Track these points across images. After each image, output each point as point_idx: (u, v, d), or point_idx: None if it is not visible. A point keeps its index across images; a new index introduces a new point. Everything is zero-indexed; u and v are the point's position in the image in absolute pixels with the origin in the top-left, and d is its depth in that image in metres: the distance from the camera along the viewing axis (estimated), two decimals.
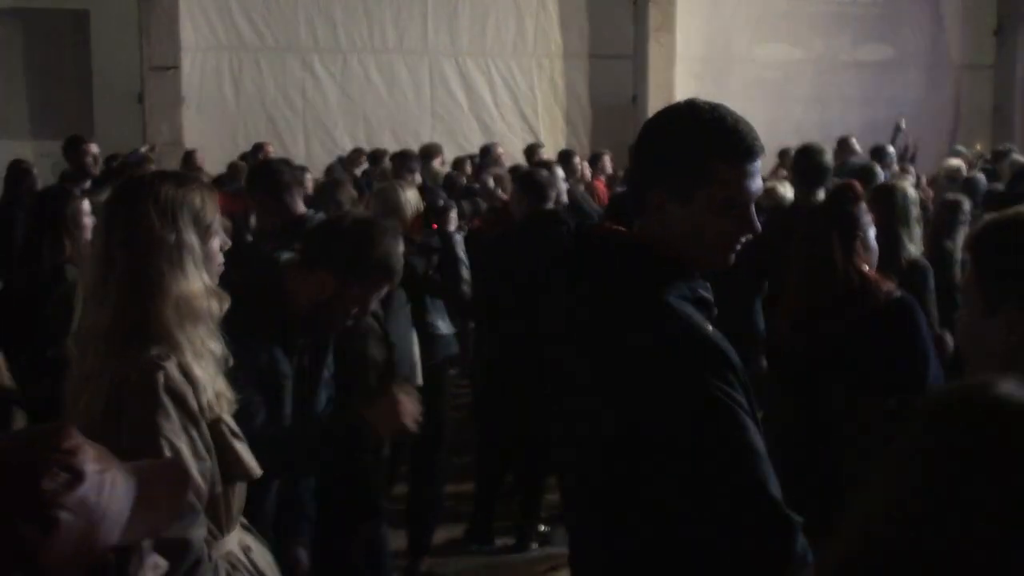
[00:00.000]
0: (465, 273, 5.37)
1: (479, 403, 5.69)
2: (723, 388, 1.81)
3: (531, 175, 5.60)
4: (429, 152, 10.11)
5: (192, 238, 2.22)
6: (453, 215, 5.63)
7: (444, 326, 5.16)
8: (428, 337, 4.98)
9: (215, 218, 2.29)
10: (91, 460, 1.28)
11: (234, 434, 2.28)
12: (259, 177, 4.81)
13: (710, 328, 1.89)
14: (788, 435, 3.36)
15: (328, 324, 2.88)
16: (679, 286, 1.92)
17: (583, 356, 1.96)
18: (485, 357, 5.41)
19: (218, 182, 7.92)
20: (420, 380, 4.60)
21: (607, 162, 10.66)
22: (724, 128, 1.90)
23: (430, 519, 4.94)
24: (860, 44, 15.49)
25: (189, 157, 10.49)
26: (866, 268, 3.39)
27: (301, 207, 4.71)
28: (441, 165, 9.84)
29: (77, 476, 1.25)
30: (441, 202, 6.00)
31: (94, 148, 8.15)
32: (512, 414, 5.31)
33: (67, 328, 2.24)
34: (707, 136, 1.90)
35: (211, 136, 11.84)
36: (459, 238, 5.57)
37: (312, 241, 2.88)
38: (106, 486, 1.28)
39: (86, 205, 4.81)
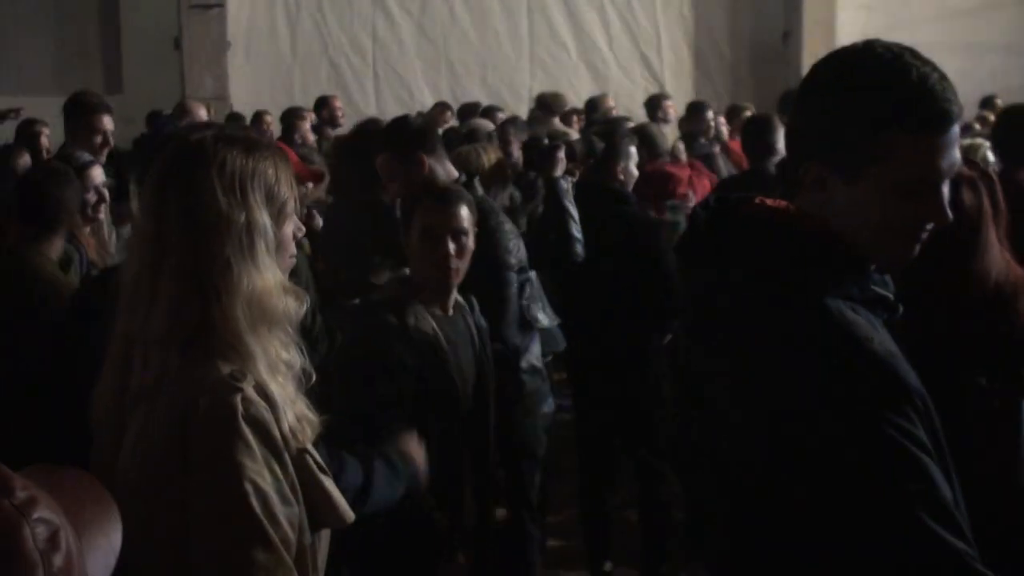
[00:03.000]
0: (576, 231, 5.32)
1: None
2: (896, 422, 1.74)
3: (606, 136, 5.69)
4: (549, 104, 9.93)
5: (265, 219, 2.19)
6: (561, 156, 5.54)
7: (545, 316, 5.11)
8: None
9: (291, 196, 2.27)
10: (48, 503, 1.17)
11: (321, 469, 2.26)
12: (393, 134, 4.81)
13: (877, 341, 1.82)
14: None
15: None
16: (845, 284, 1.88)
17: (719, 366, 1.94)
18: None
19: None
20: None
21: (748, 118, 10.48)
22: (909, 86, 1.82)
23: (530, 553, 4.92)
24: None
25: (292, 117, 10.32)
26: None
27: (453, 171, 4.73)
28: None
29: (53, 530, 1.15)
30: (546, 140, 5.90)
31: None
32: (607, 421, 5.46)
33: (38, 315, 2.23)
34: (886, 96, 1.83)
35: (262, 89, 11.97)
36: (567, 185, 5.48)
37: None
38: (70, 530, 1.18)
39: (97, 174, 4.91)
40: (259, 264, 2.17)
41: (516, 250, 4.51)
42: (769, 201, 1.99)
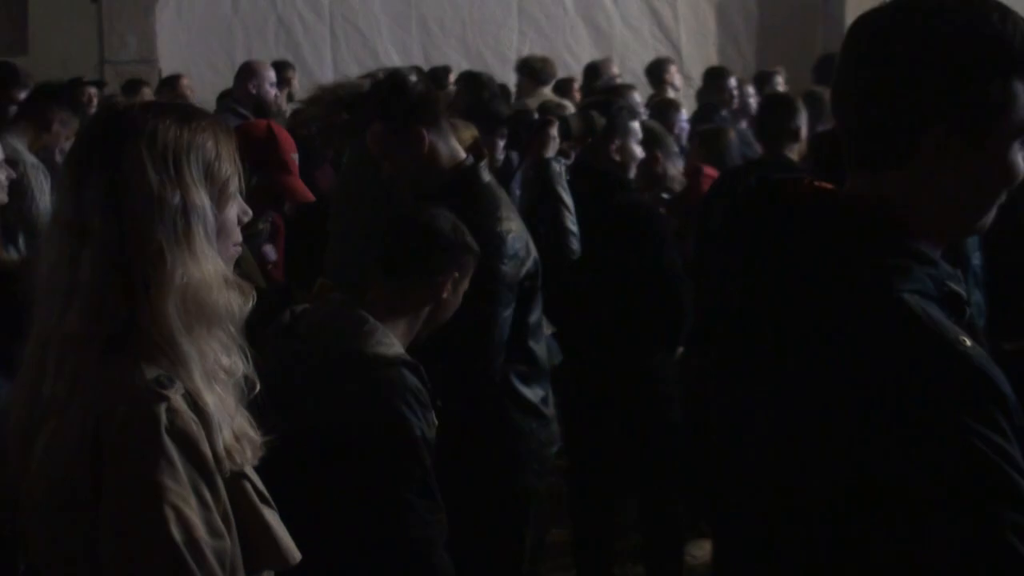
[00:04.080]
0: (571, 222, 5.33)
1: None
2: (987, 436, 1.77)
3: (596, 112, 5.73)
4: (536, 70, 9.94)
5: (204, 200, 2.22)
6: (553, 133, 5.54)
7: None
8: None
9: (234, 173, 2.30)
10: None
11: (263, 498, 2.28)
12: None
13: (968, 342, 1.85)
14: None
15: None
16: (918, 275, 1.91)
17: (768, 374, 1.98)
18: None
19: None
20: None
21: (780, 84, 10.41)
22: (1019, 30, 1.92)
23: None
24: None
25: (171, 84, 10.53)
26: None
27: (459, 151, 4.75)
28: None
29: None
30: (535, 115, 5.97)
31: None
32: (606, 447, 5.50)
33: None
34: (1003, 43, 1.91)
35: (197, 51, 11.94)
36: (560, 168, 5.51)
37: None
38: None
39: None
40: (197, 252, 2.18)
41: (520, 259, 4.44)
42: (818, 183, 2.03)
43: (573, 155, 5.85)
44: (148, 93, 9.73)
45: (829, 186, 2.04)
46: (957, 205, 1.98)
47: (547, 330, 5.16)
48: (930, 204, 1.96)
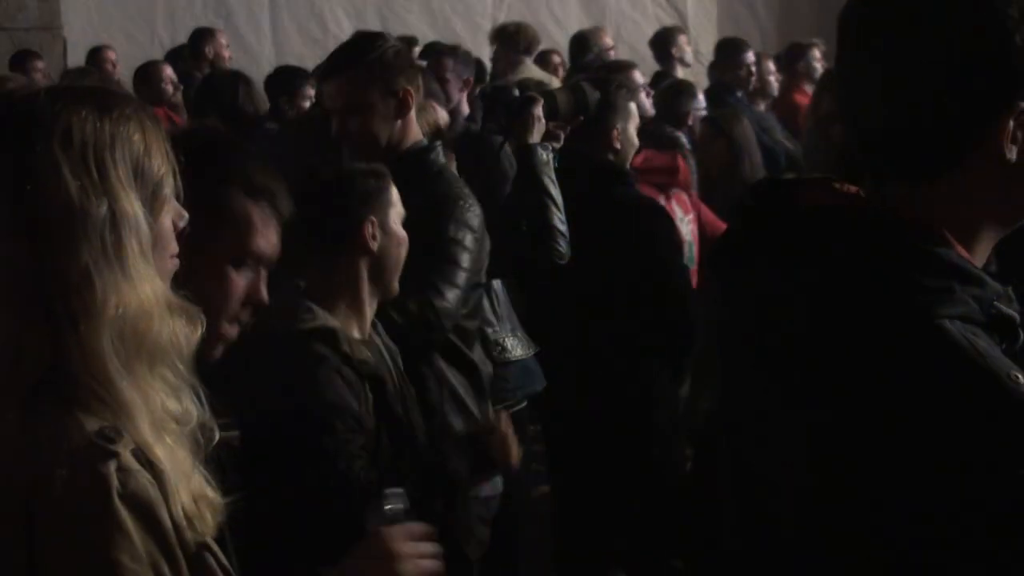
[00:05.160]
0: (558, 220, 5.28)
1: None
2: None
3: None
4: (517, 39, 9.89)
5: (135, 207, 2.17)
6: (537, 113, 5.48)
7: (517, 343, 5.03)
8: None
9: (168, 171, 2.25)
10: None
11: (227, 573, 2.25)
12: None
13: (1022, 378, 1.86)
14: None
15: None
16: (961, 298, 1.91)
17: (790, 407, 2.00)
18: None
19: None
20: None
21: (816, 60, 10.33)
22: None
23: None
24: None
25: (96, 56, 10.54)
26: None
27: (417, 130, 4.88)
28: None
29: None
30: (516, 92, 5.91)
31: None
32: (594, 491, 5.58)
33: None
34: None
35: (109, 17, 11.95)
36: (547, 156, 5.45)
37: None
38: None
39: None
40: (131, 273, 2.14)
41: (478, 245, 4.62)
42: (845, 187, 2.05)
43: (562, 136, 5.81)
44: (41, 67, 9.64)
45: (854, 189, 2.04)
46: (1012, 207, 2.01)
47: (530, 350, 5.16)
48: (980, 210, 1.99)
